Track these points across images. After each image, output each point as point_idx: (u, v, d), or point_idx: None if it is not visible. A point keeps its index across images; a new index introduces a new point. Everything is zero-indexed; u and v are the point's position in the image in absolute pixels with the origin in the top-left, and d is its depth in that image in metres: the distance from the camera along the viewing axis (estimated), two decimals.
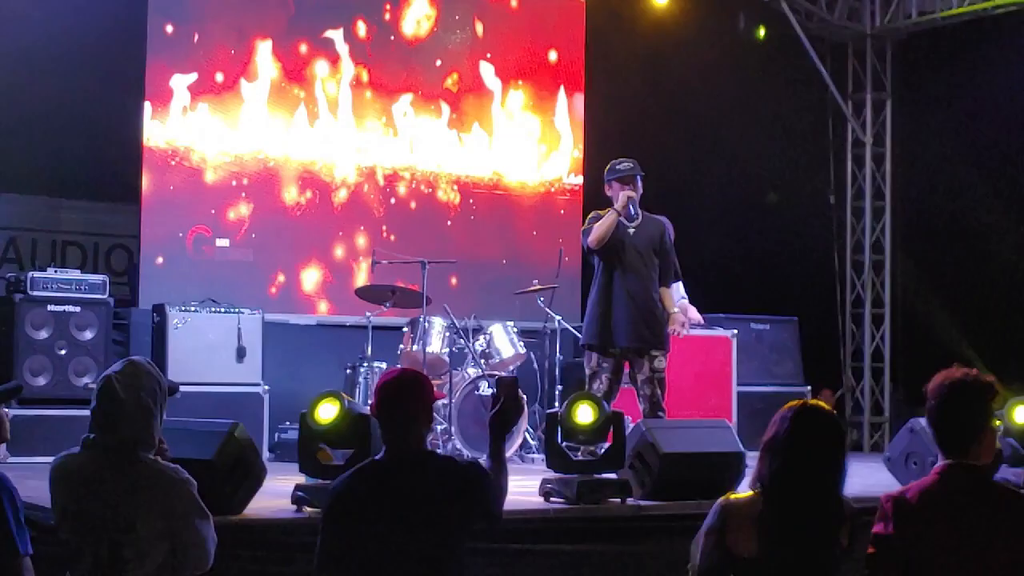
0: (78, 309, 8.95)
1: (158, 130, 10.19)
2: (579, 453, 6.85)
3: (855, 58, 13.20)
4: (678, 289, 9.75)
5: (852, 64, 13.20)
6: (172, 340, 9.14)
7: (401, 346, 9.49)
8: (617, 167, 7.89)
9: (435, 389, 4.25)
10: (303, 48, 10.86)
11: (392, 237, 10.99)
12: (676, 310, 7.95)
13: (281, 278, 10.67)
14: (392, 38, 11.31)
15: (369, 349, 9.39)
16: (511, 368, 9.52)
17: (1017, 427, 7.43)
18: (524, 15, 11.99)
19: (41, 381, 8.77)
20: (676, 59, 11.85)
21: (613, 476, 6.68)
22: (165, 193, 10.24)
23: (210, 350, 9.24)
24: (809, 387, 11.01)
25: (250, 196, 10.57)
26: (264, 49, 10.66)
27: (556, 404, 9.25)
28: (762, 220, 12.47)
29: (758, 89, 12.18)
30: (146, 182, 10.14)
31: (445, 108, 11.49)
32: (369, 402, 8.77)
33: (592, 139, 11.98)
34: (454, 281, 11.01)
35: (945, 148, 12.16)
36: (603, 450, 6.78)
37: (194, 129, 10.34)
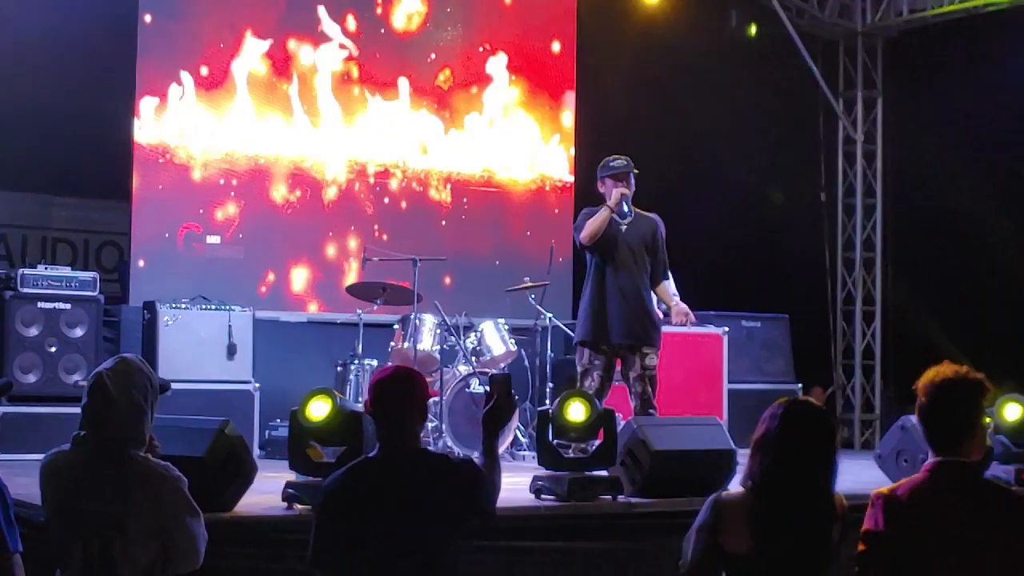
0: (68, 306, 8.92)
1: (149, 127, 10.17)
2: (570, 450, 6.85)
3: (846, 56, 13.21)
4: (669, 286, 9.77)
5: (843, 62, 13.21)
6: (163, 337, 9.12)
7: (392, 344, 9.48)
8: (611, 164, 7.89)
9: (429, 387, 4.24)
10: (293, 44, 10.84)
11: (385, 236, 10.97)
12: (675, 302, 7.97)
13: (271, 277, 10.66)
14: (382, 31, 11.29)
15: (360, 347, 9.38)
16: (502, 366, 9.51)
17: (1007, 424, 7.45)
18: (516, 11, 11.98)
19: (31, 378, 8.74)
20: (667, 57, 11.86)
21: (604, 473, 6.68)
22: (155, 190, 10.23)
23: (201, 347, 9.22)
24: (800, 385, 11.01)
25: (240, 193, 10.56)
26: (254, 45, 10.64)
27: (547, 401, 9.26)
28: (753, 218, 12.48)
29: (749, 87, 12.19)
30: (136, 179, 10.13)
31: (436, 104, 11.48)
32: (360, 399, 8.79)
33: (584, 136, 11.98)
34: (448, 280, 11.01)
35: (936, 146, 12.17)
36: (594, 447, 6.78)
37: (184, 126, 10.32)
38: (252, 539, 5.71)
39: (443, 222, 11.45)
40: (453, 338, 9.48)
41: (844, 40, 13.18)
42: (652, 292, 8.01)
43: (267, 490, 6.21)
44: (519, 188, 11.86)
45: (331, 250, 10.93)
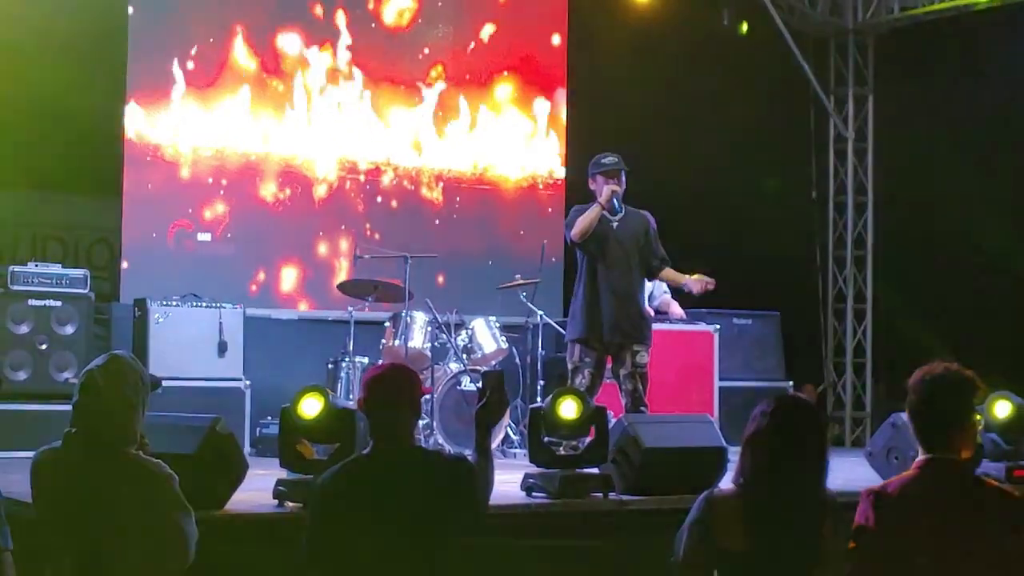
0: (59, 303, 8.92)
1: (139, 124, 10.16)
2: (561, 448, 6.85)
3: (837, 53, 13.21)
4: (661, 283, 9.78)
5: (834, 59, 13.21)
6: (153, 334, 9.10)
7: (383, 341, 9.48)
8: (602, 161, 7.90)
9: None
10: (284, 39, 10.81)
11: (377, 236, 10.94)
12: (686, 278, 7.96)
13: (262, 276, 10.64)
14: (373, 26, 11.27)
15: (351, 344, 9.37)
16: (493, 363, 9.51)
17: (997, 422, 7.46)
18: (508, 8, 11.97)
19: (22, 376, 8.74)
20: (659, 54, 11.85)
21: (595, 471, 6.68)
22: (146, 188, 10.21)
23: (191, 345, 9.20)
24: (791, 382, 11.02)
25: (231, 191, 10.54)
26: (244, 41, 10.62)
27: (538, 399, 9.25)
28: (744, 215, 12.48)
29: (740, 84, 12.19)
30: (127, 176, 10.11)
31: (428, 101, 11.46)
32: (351, 397, 8.79)
33: (575, 133, 11.98)
34: (441, 280, 11.00)
35: (927, 143, 12.18)
36: (585, 445, 6.78)
37: (175, 123, 10.31)
38: (243, 536, 5.70)
39: (436, 221, 11.42)
40: (444, 336, 9.48)
41: (835, 38, 13.18)
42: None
43: (258, 487, 6.20)
44: (511, 185, 11.85)
45: (322, 248, 10.91)
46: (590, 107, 11.94)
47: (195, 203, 10.42)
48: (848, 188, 13.20)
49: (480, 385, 4.42)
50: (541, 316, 9.80)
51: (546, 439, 6.60)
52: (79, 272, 9.18)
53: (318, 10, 10.99)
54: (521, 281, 9.83)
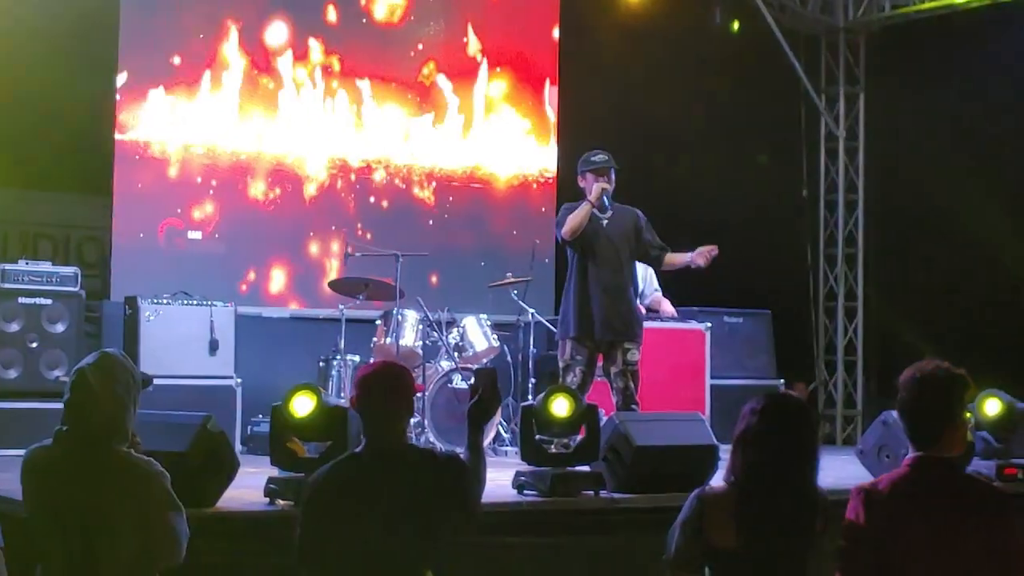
0: (50, 301, 8.89)
1: (129, 122, 10.14)
2: (553, 446, 6.85)
3: (828, 51, 13.22)
4: (652, 280, 9.79)
5: (825, 57, 13.22)
6: (144, 332, 9.08)
7: (374, 339, 9.47)
8: (591, 159, 7.90)
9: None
10: (274, 36, 10.79)
11: (368, 235, 10.91)
12: (688, 255, 7.92)
13: (252, 275, 10.62)
14: (364, 22, 11.25)
15: (342, 342, 9.36)
16: (484, 361, 9.51)
17: (988, 420, 7.47)
18: (500, 5, 11.96)
19: (12, 374, 8.71)
20: (650, 52, 11.85)
21: (586, 469, 6.68)
22: (136, 185, 10.20)
23: (182, 343, 9.18)
24: (782, 380, 11.03)
25: (221, 189, 10.52)
26: (234, 38, 10.60)
27: (530, 397, 9.25)
28: (735, 213, 12.48)
29: (731, 82, 12.19)
30: (117, 174, 10.10)
31: (419, 99, 11.45)
32: (342, 395, 8.78)
33: (566, 131, 11.98)
34: (434, 280, 10.99)
35: (918, 142, 12.20)
36: (576, 443, 6.78)
37: (164, 121, 10.29)
38: (234, 534, 5.70)
39: (430, 221, 11.40)
40: (435, 334, 9.48)
41: (826, 36, 13.19)
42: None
43: (249, 485, 6.20)
44: (502, 183, 11.85)
45: (313, 248, 10.89)
46: (582, 105, 11.92)
47: (185, 201, 10.40)
48: (839, 187, 13.21)
49: (472, 382, 4.41)
50: (532, 314, 9.80)
51: (537, 437, 6.60)
52: (69, 270, 9.16)
53: (309, 7, 10.97)
54: (512, 279, 9.83)
